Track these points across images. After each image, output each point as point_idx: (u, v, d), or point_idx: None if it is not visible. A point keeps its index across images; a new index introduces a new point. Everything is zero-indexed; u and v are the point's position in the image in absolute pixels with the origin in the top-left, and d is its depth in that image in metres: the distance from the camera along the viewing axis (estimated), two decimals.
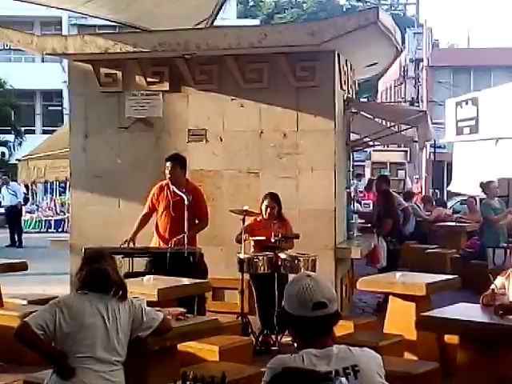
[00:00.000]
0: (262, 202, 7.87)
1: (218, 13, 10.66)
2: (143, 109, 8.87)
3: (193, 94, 8.78)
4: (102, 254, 4.43)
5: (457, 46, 44.79)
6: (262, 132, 8.61)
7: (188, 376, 4.78)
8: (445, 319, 5.14)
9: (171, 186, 7.60)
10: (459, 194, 20.71)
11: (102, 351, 4.13)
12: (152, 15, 9.70)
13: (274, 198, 7.85)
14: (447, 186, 29.74)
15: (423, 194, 23.85)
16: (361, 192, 19.81)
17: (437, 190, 29.88)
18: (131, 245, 7.55)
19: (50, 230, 24.22)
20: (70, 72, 9.21)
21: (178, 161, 7.74)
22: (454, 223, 14.11)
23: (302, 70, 8.41)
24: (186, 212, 7.34)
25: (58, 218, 24.74)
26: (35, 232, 23.66)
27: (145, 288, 6.06)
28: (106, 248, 6.80)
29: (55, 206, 25.29)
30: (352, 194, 11.95)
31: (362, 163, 29.88)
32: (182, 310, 5.01)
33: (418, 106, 30.02)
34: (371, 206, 16.28)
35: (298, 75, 8.41)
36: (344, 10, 63.82)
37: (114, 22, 11.03)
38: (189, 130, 8.81)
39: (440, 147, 31.55)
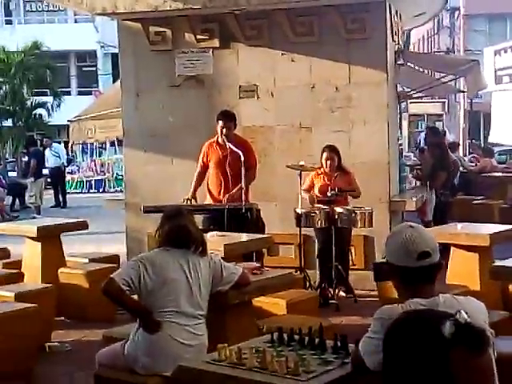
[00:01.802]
0: (322, 155, 7.89)
1: None
2: (193, 66, 8.87)
3: (243, 49, 8.75)
4: (181, 211, 4.50)
5: None
6: (313, 86, 8.57)
7: (262, 329, 4.89)
8: None
9: (227, 143, 7.62)
10: (498, 145, 20.50)
11: (186, 305, 4.22)
12: None
13: (333, 150, 7.87)
14: (484, 136, 29.45)
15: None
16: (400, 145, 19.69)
17: (474, 141, 29.60)
18: (193, 202, 7.63)
19: (91, 191, 24.55)
20: (120, 31, 9.20)
21: (230, 117, 7.76)
22: (500, 174, 13.99)
23: (352, 22, 8.32)
24: (242, 167, 7.40)
25: (99, 178, 25.02)
26: (77, 192, 23.98)
27: (211, 244, 6.11)
28: (164, 205, 6.92)
29: (95, 166, 25.53)
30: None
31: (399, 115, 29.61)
32: (256, 264, 5.08)
33: (454, 55, 29.59)
34: (412, 157, 16.19)
35: (349, 27, 8.33)
36: None
37: None
38: (239, 86, 8.79)
39: (477, 97, 31.21)
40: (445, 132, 18.50)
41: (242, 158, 7.38)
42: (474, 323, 2.08)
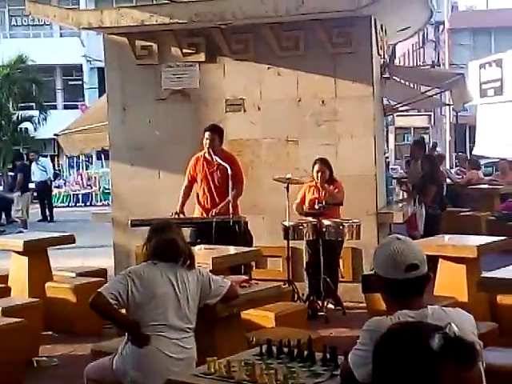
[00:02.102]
0: (313, 167, 7.94)
1: None
2: (180, 80, 8.89)
3: (229, 63, 8.78)
4: (169, 224, 4.51)
5: (475, 8, 44.29)
6: (299, 100, 8.61)
7: (251, 341, 4.89)
8: (507, 280, 5.18)
9: (214, 156, 7.66)
10: (483, 157, 20.62)
11: (174, 319, 4.22)
12: None
13: (323, 162, 7.92)
14: (470, 148, 29.63)
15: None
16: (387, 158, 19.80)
17: (460, 153, 29.79)
18: (180, 216, 7.64)
19: (78, 204, 24.47)
20: (106, 46, 9.20)
21: (217, 131, 7.83)
22: (486, 186, 14.06)
23: (338, 37, 8.37)
24: (230, 181, 7.43)
25: (86, 191, 24.96)
26: (64, 206, 23.89)
27: (198, 257, 6.11)
28: (151, 219, 6.92)
29: (82, 179, 25.47)
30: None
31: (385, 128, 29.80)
32: (244, 277, 5.09)
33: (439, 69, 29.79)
34: (398, 170, 16.26)
35: (335, 41, 8.38)
36: None
37: None
38: (226, 99, 8.82)
39: (462, 110, 31.45)
40: (436, 144, 18.60)
41: (230, 172, 7.41)
42: (463, 336, 2.09)
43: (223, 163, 7.53)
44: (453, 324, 2.23)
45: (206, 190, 7.88)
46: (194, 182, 7.98)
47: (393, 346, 2.07)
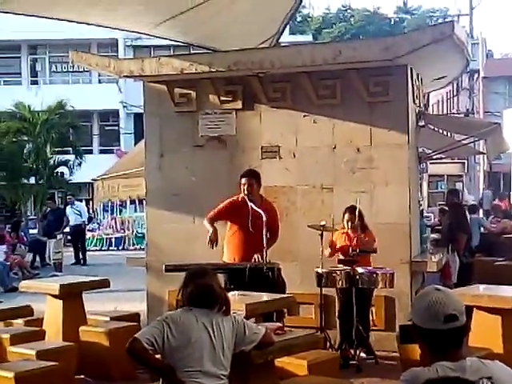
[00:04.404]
0: (343, 215, 7.97)
1: (283, 30, 10.79)
2: (217, 127, 9.01)
3: (265, 111, 8.89)
4: (206, 271, 4.54)
5: (510, 55, 44.33)
6: (334, 147, 8.66)
7: None
8: None
9: (249, 203, 7.68)
10: None
11: (209, 365, 4.23)
12: (218, 35, 9.87)
13: (353, 211, 7.92)
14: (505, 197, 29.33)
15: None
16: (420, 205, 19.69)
17: (494, 202, 29.50)
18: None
19: (110, 248, 24.65)
20: (146, 93, 9.36)
21: (255, 177, 7.83)
22: None
23: (375, 86, 8.44)
24: (264, 228, 7.44)
25: (119, 235, 25.14)
26: (96, 250, 24.08)
27: (232, 303, 6.13)
28: (185, 264, 6.97)
29: (115, 223, 25.68)
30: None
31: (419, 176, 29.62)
32: (279, 324, 5.09)
33: (474, 118, 29.75)
34: (432, 218, 16.17)
35: (371, 90, 8.45)
36: (392, 22, 63.76)
37: (181, 42, 11.26)
38: (262, 146, 8.90)
39: (496, 158, 31.24)
40: (460, 192, 18.47)
41: (264, 219, 7.42)
42: None
43: (257, 209, 7.54)
44: (485, 379, 2.23)
45: (240, 236, 7.89)
46: (221, 219, 7.93)
47: None
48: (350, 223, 7.93)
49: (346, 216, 7.96)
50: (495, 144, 9.45)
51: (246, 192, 7.70)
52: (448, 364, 2.75)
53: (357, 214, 7.87)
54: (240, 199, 7.82)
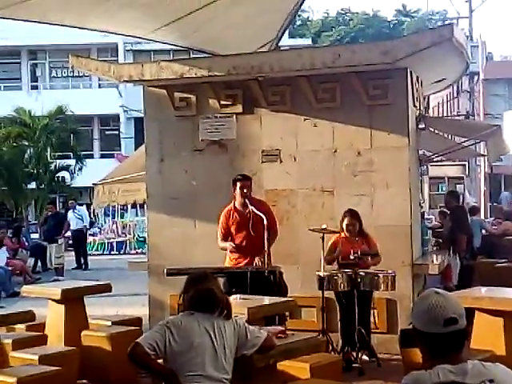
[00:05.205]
0: (342, 220, 7.96)
1: (282, 34, 10.80)
2: (217, 131, 9.02)
3: (266, 115, 8.90)
4: (207, 275, 4.55)
5: (510, 58, 44.34)
6: (335, 151, 8.68)
7: None
8: None
9: (249, 206, 7.72)
10: None
11: (211, 369, 4.24)
12: (218, 39, 9.88)
13: (353, 215, 7.93)
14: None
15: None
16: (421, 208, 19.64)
17: (495, 204, 29.48)
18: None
19: (112, 252, 24.65)
20: (146, 97, 9.39)
21: (249, 179, 7.98)
22: None
23: (374, 89, 8.45)
24: (265, 231, 7.47)
25: (120, 239, 25.15)
26: (98, 254, 24.08)
27: (234, 307, 6.13)
28: (187, 268, 7.00)
29: (117, 228, 25.68)
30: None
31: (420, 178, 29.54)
32: (281, 328, 5.09)
33: (474, 120, 29.75)
34: (433, 220, 16.14)
35: (371, 93, 8.46)
36: (391, 25, 63.82)
37: (181, 46, 11.29)
38: (262, 150, 8.92)
39: (497, 160, 31.21)
40: (460, 194, 18.42)
41: (265, 222, 7.45)
42: None
43: (258, 213, 7.59)
44: (487, 382, 2.23)
45: (240, 241, 7.93)
46: (228, 235, 8.03)
47: None
48: (350, 227, 7.92)
49: (346, 220, 7.95)
50: (496, 146, 9.45)
51: (244, 194, 7.76)
52: (449, 367, 2.75)
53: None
54: (231, 208, 7.93)
